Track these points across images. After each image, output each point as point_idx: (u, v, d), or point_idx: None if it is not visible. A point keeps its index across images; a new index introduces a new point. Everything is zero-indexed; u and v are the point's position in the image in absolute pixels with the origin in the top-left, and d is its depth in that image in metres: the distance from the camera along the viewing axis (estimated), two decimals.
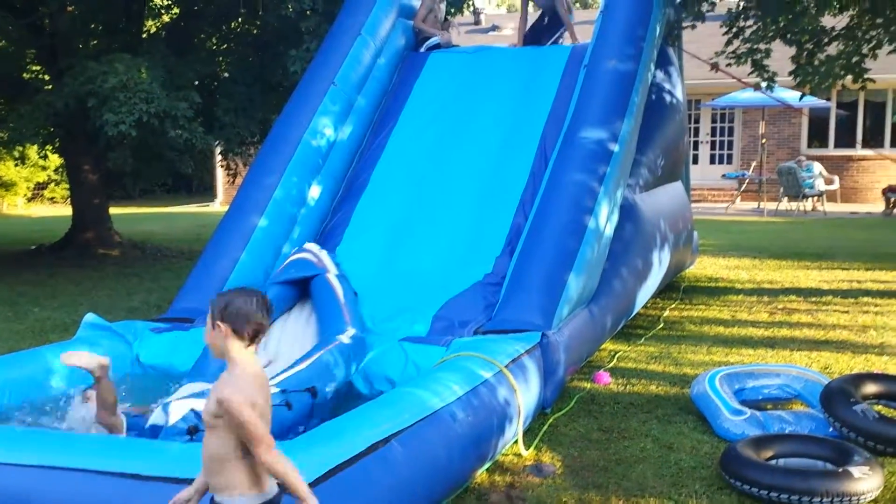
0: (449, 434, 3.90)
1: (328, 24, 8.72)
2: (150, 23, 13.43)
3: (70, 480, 3.10)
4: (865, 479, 3.91)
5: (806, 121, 20.71)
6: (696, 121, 21.44)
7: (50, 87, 11.72)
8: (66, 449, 3.31)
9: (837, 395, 4.70)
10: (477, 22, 27.07)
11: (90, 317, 5.66)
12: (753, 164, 20.22)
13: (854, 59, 8.32)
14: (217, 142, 11.90)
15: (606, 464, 4.51)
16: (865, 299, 8.77)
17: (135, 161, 12.65)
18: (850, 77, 8.37)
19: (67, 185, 16.60)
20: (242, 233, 6.63)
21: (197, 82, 11.06)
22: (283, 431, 3.99)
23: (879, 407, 5.06)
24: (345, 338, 4.86)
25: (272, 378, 4.33)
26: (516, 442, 4.66)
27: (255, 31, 12.02)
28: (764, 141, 19.71)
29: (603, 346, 6.66)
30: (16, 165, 22.93)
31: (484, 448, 4.23)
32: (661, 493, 4.12)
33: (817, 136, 21.18)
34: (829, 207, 18.50)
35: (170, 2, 13.14)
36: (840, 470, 4.02)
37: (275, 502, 2.57)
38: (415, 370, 5.03)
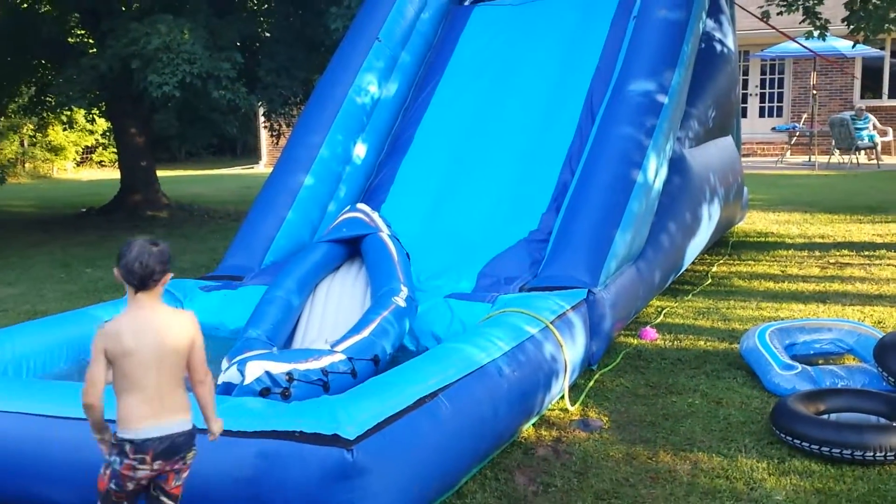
0: (495, 389, 3.90)
1: None
2: None
3: None
4: None
5: (859, 71, 20.15)
6: (745, 73, 20.98)
7: (94, 50, 11.82)
8: None
9: (891, 350, 4.59)
10: None
11: None
12: (804, 116, 19.76)
13: None
14: (260, 102, 11.93)
15: (654, 419, 4.48)
16: None
17: (180, 123, 12.75)
18: None
19: (115, 149, 16.82)
20: (288, 192, 6.66)
21: (239, 43, 11.06)
22: None
23: None
24: (400, 300, 4.87)
25: (337, 343, 4.36)
26: (563, 397, 4.66)
27: None
28: (815, 92, 19.22)
29: (650, 302, 6.60)
30: (64, 130, 23.26)
31: (530, 403, 4.23)
32: (710, 448, 4.09)
33: (870, 86, 20.61)
34: (884, 160, 18.04)
35: None
36: (894, 424, 3.95)
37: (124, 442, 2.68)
38: (461, 327, 5.02)
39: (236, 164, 25.41)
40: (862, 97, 20.43)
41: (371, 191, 7.14)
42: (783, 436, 4.05)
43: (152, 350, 2.67)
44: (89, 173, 25.30)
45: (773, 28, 8.90)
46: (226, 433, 2.94)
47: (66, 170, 25.26)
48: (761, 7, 9.17)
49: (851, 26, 8.21)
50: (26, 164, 24.30)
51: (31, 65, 13.36)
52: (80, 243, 10.78)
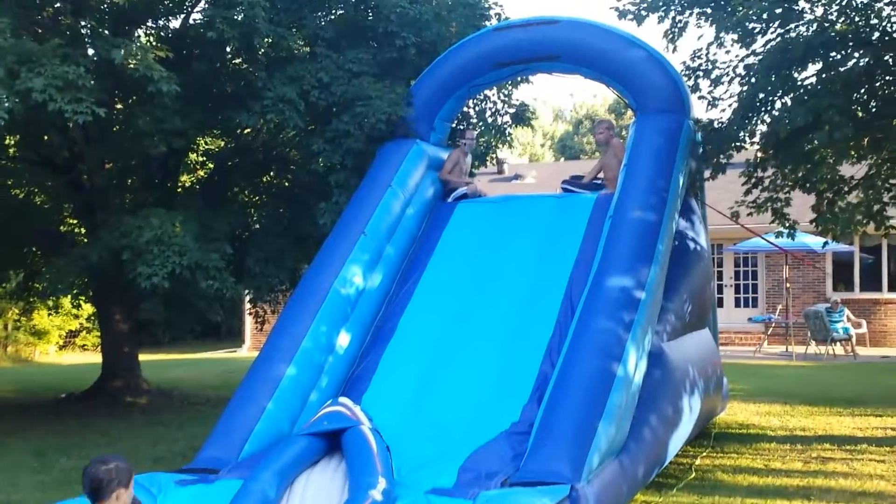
0: None
1: (356, 178, 9.02)
2: (185, 177, 13.90)
3: None
4: None
5: (830, 266, 20.76)
6: (720, 265, 21.55)
7: (85, 240, 12.05)
8: None
9: None
10: (500, 171, 27.81)
11: None
12: (780, 307, 20.15)
13: (875, 208, 8.42)
14: (247, 290, 12.08)
15: None
16: None
17: (166, 310, 12.84)
18: (871, 224, 8.46)
19: (98, 333, 16.82)
20: (270, 381, 6.67)
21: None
22: None
23: None
24: (376, 493, 4.83)
25: None
26: None
27: (286, 185, 12.41)
28: (788, 285, 19.71)
29: (634, 497, 6.51)
30: (49, 315, 23.30)
31: None
32: None
33: (843, 279, 21.16)
34: (859, 352, 18.27)
35: (205, 158, 13.65)
36: None
37: None
38: None
39: (220, 348, 25.33)
40: (835, 289, 20.93)
41: (353, 380, 7.16)
42: None
43: None
44: (71, 357, 25.11)
45: (744, 227, 9.27)
46: None
47: (48, 353, 25.08)
48: (731, 207, 9.59)
49: (819, 227, 8.56)
50: (8, 348, 24.14)
51: (22, 253, 13.55)
52: (57, 431, 10.59)
